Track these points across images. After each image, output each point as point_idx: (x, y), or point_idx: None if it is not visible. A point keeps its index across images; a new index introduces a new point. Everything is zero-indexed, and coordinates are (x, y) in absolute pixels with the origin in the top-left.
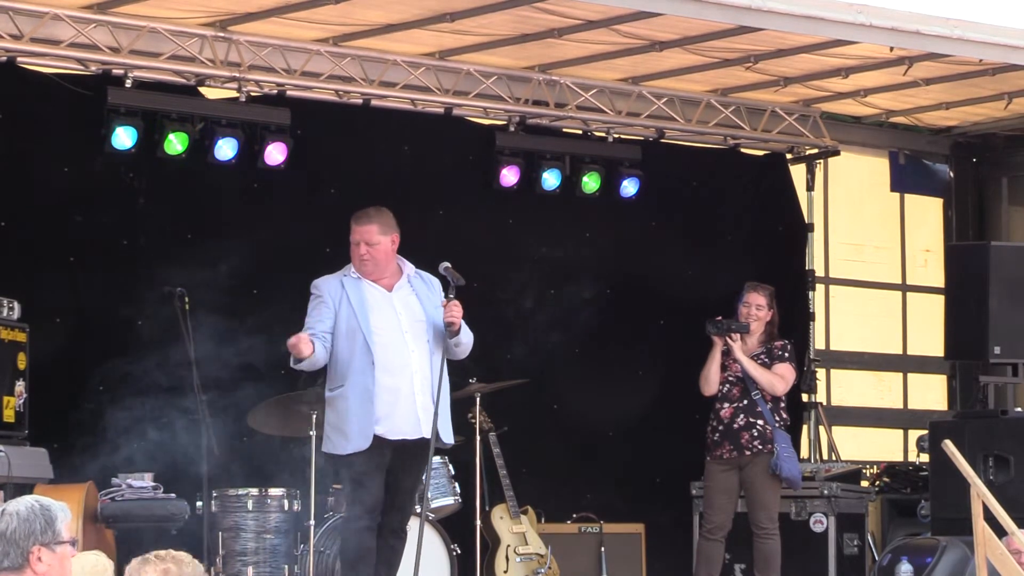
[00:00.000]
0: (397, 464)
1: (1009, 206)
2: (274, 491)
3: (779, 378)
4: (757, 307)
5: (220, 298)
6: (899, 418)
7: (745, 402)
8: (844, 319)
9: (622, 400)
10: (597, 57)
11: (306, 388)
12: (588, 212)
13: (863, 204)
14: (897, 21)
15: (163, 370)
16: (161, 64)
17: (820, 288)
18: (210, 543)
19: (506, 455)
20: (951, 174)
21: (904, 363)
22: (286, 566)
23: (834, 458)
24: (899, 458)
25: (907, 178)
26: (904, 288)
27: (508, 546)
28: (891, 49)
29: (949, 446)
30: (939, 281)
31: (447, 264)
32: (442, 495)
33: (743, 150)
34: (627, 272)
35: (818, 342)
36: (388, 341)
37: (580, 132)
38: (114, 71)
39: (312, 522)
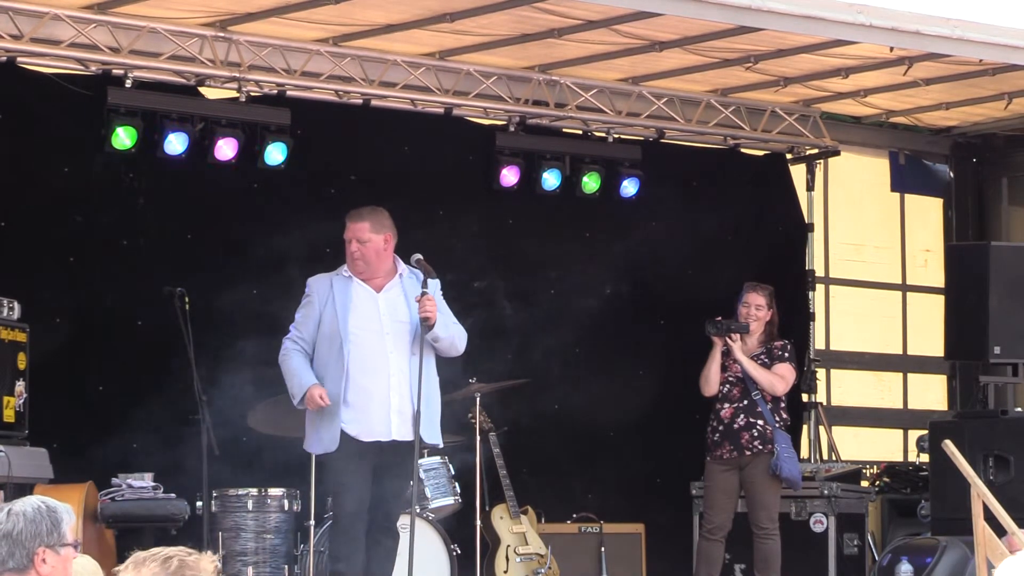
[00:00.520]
0: (379, 465)
1: (1009, 206)
2: (274, 491)
3: (779, 378)
4: (757, 307)
5: (220, 298)
6: (899, 418)
7: (745, 402)
8: (844, 319)
9: (622, 400)
10: (597, 57)
11: None
12: (588, 212)
13: (863, 204)
14: (897, 21)
15: (163, 370)
16: (161, 64)
17: (820, 288)
18: (210, 543)
19: (506, 455)
20: (951, 174)
21: (904, 363)
22: (286, 566)
23: (834, 458)
24: (899, 458)
25: (907, 178)
26: (904, 288)
27: (508, 546)
28: (891, 49)
29: (949, 446)
30: (939, 281)
31: (419, 256)
32: (442, 495)
33: (743, 150)
34: (627, 272)
35: (818, 342)
36: (366, 342)
37: (580, 132)
38: (114, 71)
39: (312, 522)
